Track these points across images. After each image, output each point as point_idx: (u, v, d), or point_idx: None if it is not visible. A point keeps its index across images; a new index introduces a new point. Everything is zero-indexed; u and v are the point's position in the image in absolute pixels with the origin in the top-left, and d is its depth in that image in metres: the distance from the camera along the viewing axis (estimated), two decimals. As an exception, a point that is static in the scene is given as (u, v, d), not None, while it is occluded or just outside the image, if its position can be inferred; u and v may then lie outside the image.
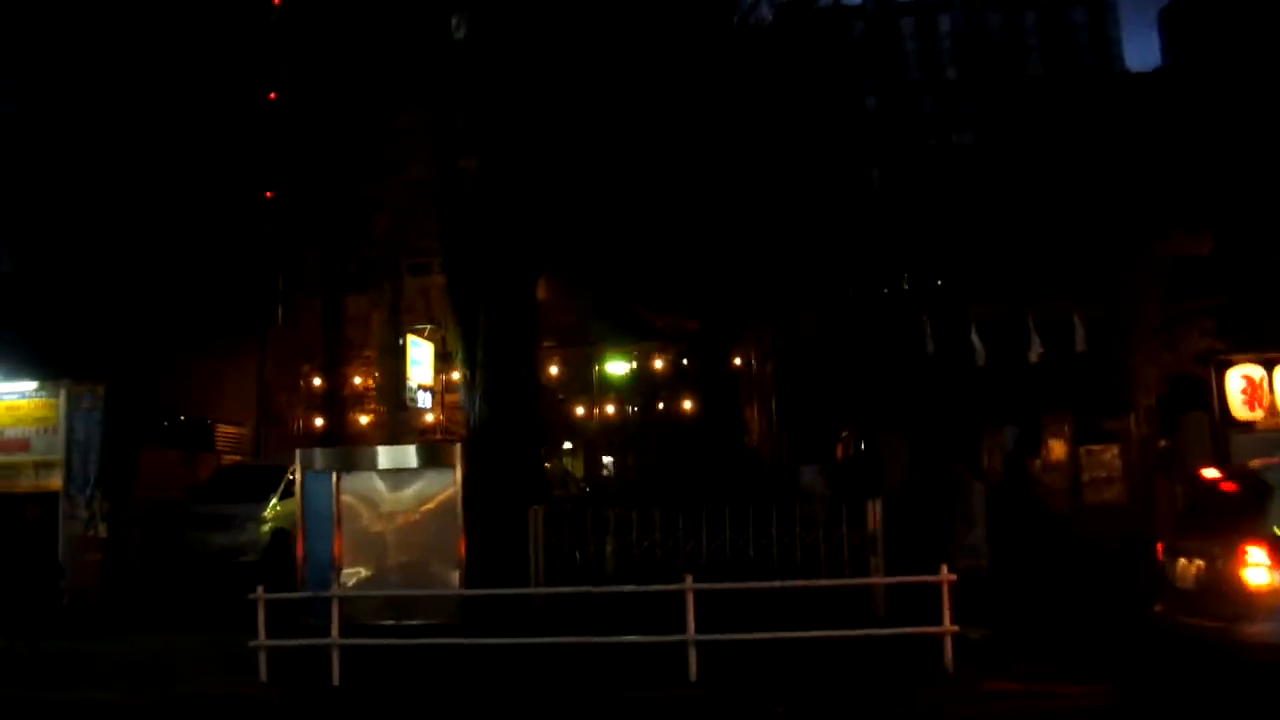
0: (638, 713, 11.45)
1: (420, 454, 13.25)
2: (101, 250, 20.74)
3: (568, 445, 25.71)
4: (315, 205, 23.87)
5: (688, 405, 21.06)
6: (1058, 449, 18.29)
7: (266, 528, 20.39)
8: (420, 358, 17.31)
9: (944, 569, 11.89)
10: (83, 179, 21.64)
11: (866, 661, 12.21)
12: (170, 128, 22.88)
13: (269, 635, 12.82)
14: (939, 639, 11.85)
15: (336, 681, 12.46)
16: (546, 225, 16.97)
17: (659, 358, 22.86)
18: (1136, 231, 18.50)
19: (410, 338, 16.98)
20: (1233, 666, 9.39)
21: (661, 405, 22.62)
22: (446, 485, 12.87)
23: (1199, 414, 15.97)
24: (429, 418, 20.08)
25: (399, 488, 12.97)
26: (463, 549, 12.69)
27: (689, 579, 12.25)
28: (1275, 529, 9.07)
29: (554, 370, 25.37)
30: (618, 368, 25.46)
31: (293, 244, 23.86)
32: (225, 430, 24.74)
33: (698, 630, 12.18)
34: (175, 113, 22.97)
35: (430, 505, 12.86)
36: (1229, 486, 9.89)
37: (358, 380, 22.29)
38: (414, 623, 12.51)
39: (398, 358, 16.33)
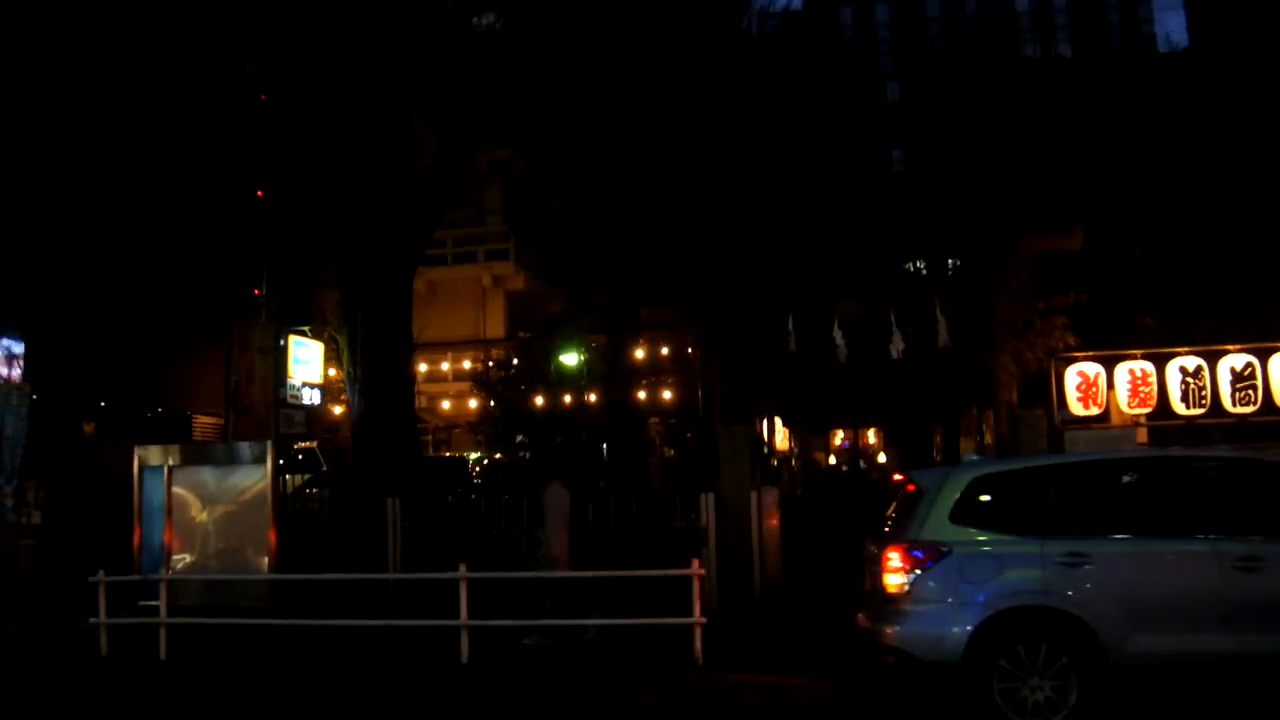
0: (406, 691, 12.13)
1: (237, 450, 14.09)
2: (49, 252, 21.52)
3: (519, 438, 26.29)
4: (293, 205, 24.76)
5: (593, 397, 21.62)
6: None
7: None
8: (306, 357, 18.15)
9: (695, 563, 12.23)
10: (36, 176, 22.00)
11: (633, 649, 12.65)
12: (141, 121, 23.42)
13: (115, 615, 14.03)
14: (690, 628, 12.27)
15: (163, 656, 13.48)
16: (416, 224, 17.61)
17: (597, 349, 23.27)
18: (1005, 227, 18.27)
19: (293, 338, 17.85)
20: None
21: (590, 397, 23.04)
22: (259, 479, 13.68)
23: (1038, 411, 15.83)
24: (338, 410, 21.02)
25: (220, 481, 13.73)
26: (273, 538, 13.51)
27: (463, 568, 12.81)
28: (921, 533, 9.22)
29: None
30: (569, 359, 25.93)
31: (272, 242, 24.67)
32: (203, 421, 26.04)
33: (494, 616, 12.89)
34: (147, 106, 23.44)
35: (246, 497, 13.63)
36: (911, 488, 10.00)
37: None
38: (231, 604, 13.40)
39: (277, 357, 17.23)
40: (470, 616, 12.71)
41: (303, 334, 17.85)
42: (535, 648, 12.89)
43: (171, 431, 25.00)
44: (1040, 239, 18.69)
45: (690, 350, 23.32)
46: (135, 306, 22.71)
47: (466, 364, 29.14)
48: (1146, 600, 8.68)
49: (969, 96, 20.20)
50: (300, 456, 23.02)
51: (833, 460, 37.44)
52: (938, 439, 24.99)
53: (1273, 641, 8.51)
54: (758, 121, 22.05)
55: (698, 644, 12.17)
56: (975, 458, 12.37)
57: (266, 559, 13.51)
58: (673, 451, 26.66)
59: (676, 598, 12.71)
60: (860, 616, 9.90)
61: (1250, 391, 15.30)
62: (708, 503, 15.29)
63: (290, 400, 17.33)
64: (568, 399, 24.81)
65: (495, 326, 30.37)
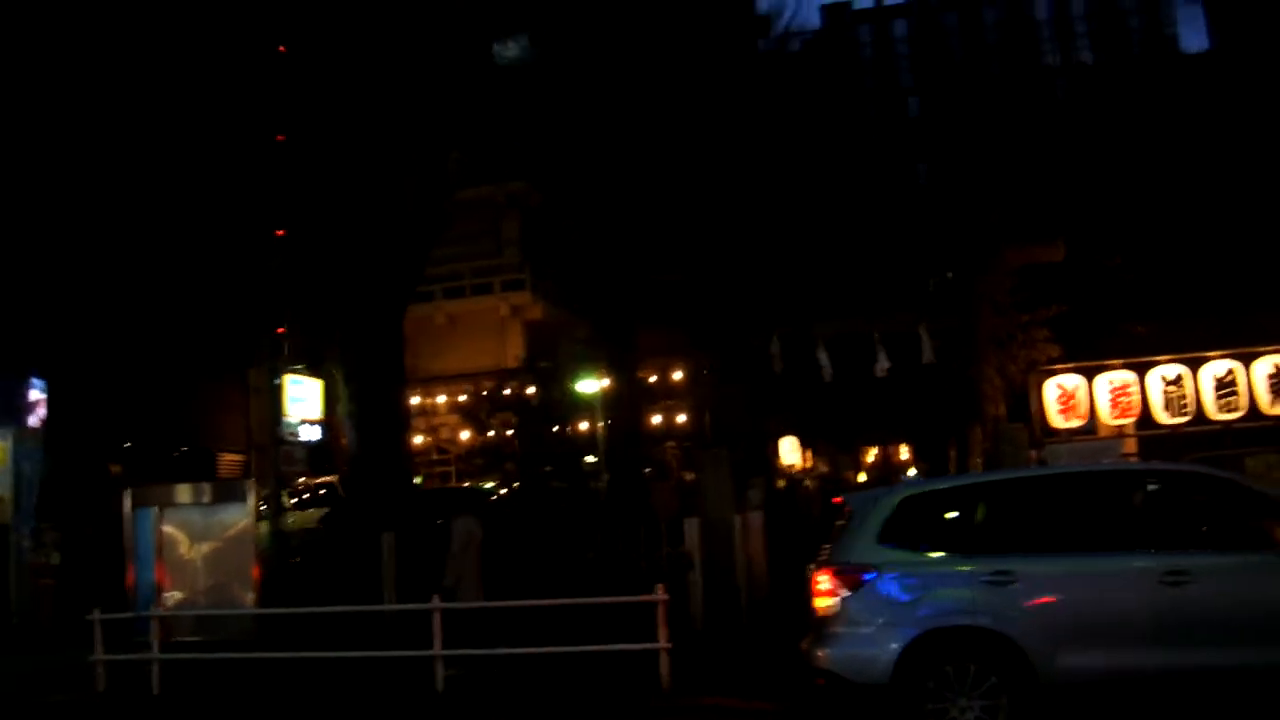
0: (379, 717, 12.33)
1: (220, 489, 14.43)
2: (72, 293, 21.96)
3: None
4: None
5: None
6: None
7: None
8: (302, 395, 18.49)
9: (660, 589, 12.26)
10: (59, 216, 22.18)
11: (608, 675, 12.69)
12: (164, 159, 23.72)
13: (112, 651, 14.39)
14: (655, 654, 12.29)
15: (156, 690, 13.80)
16: (404, 266, 17.91)
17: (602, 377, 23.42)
18: (988, 240, 18.09)
19: (289, 377, 18.18)
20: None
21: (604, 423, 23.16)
22: (242, 516, 13.98)
23: (1018, 425, 15.63)
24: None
25: (206, 519, 14.08)
26: (256, 573, 13.78)
27: (436, 599, 13.00)
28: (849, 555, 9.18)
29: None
30: (587, 387, 26.09)
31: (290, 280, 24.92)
32: (229, 459, 26.54)
33: (481, 645, 13.03)
34: (169, 144, 23.82)
35: (231, 534, 13.92)
36: (846, 510, 9.96)
37: None
38: (219, 638, 13.68)
39: (273, 397, 17.57)
40: (463, 646, 12.91)
41: (298, 372, 18.24)
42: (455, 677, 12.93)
43: (196, 470, 25.47)
44: (1023, 251, 18.48)
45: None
46: (160, 346, 23.21)
47: (485, 394, 29.42)
48: (1073, 617, 8.54)
49: (956, 112, 20.06)
50: (323, 491, 23.38)
51: (863, 478, 37.14)
52: (952, 454, 24.78)
53: (1202, 656, 8.35)
54: (759, 141, 22.14)
55: (664, 669, 12.18)
56: (914, 477, 12.24)
57: (251, 594, 13.78)
58: (691, 475, 26.73)
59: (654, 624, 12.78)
60: (803, 638, 9.87)
61: (1233, 398, 15.00)
62: (692, 527, 15.33)
63: (288, 438, 17.66)
64: (577, 427, 25.03)
65: (514, 356, 30.62)
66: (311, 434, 18.42)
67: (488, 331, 31.01)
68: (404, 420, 17.85)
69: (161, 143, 21.58)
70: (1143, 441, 15.95)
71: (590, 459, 24.03)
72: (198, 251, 22.72)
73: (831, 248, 20.32)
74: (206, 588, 14.03)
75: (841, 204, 20.35)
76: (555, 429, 24.90)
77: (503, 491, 24.97)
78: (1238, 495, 8.85)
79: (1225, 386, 14.93)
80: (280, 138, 27.62)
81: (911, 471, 15.74)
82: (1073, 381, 15.07)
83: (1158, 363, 15.04)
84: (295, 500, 20.63)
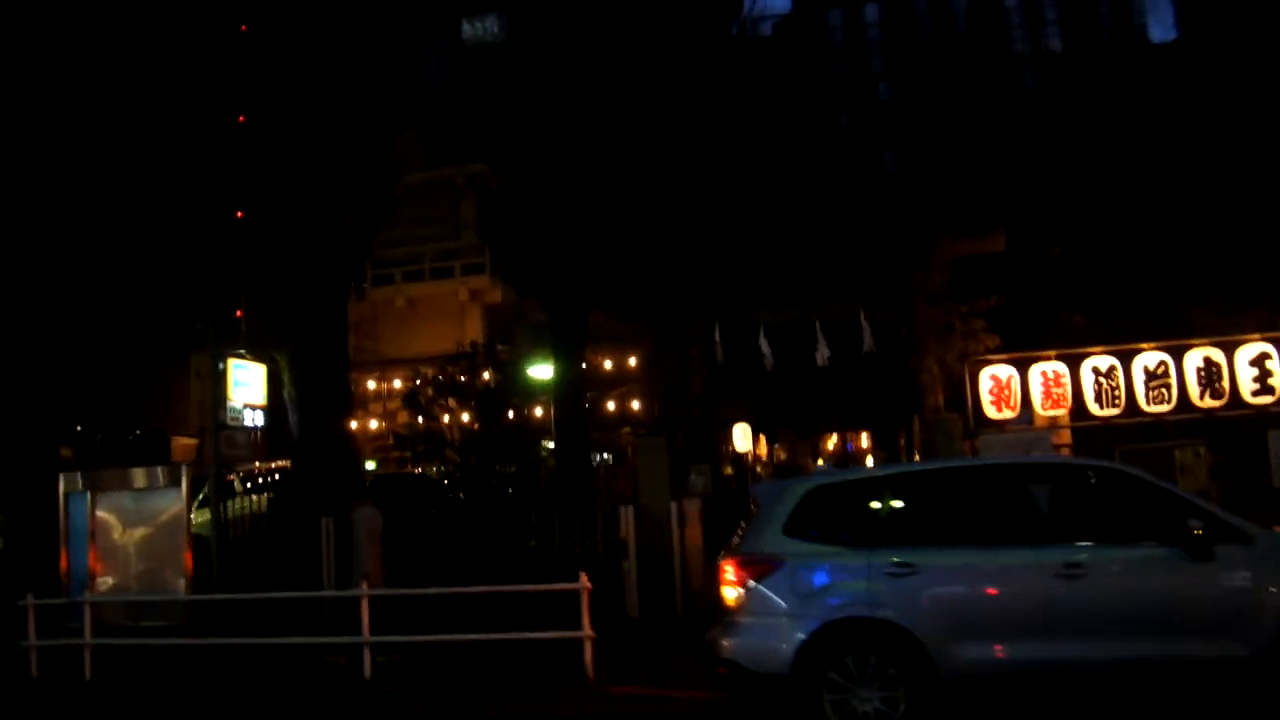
0: (307, 705, 12.33)
1: (153, 475, 14.38)
2: (22, 277, 21.76)
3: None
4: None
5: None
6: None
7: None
8: (246, 380, 18.38)
9: (583, 577, 12.32)
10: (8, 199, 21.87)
11: (531, 664, 12.76)
12: (118, 142, 23.57)
13: (46, 637, 14.35)
14: (580, 643, 12.35)
15: (88, 676, 13.78)
16: (348, 248, 17.81)
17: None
18: (927, 230, 18.14)
19: (233, 361, 18.08)
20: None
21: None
22: (175, 503, 13.94)
23: (952, 415, 15.74)
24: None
25: (139, 505, 14.06)
26: (188, 560, 13.76)
27: (365, 585, 13.02)
28: (754, 545, 9.24)
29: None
30: (541, 372, 25.97)
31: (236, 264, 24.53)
32: (183, 442, 26.48)
33: (412, 632, 13.05)
34: (124, 126, 23.59)
35: (164, 520, 13.91)
36: (756, 501, 10.01)
37: None
38: (151, 624, 13.66)
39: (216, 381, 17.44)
40: (395, 632, 12.96)
41: (241, 356, 18.12)
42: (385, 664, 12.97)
43: (151, 453, 25.37)
44: (961, 241, 18.56)
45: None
46: (112, 330, 23.11)
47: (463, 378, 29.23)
48: (971, 609, 8.64)
49: (909, 102, 20.10)
50: (276, 475, 23.25)
51: (820, 463, 37.29)
52: (902, 442, 24.93)
53: (1097, 648, 8.44)
54: (715, 126, 22.03)
55: (587, 657, 12.25)
56: (825, 468, 12.32)
57: (183, 580, 13.75)
58: None
59: (590, 612, 12.80)
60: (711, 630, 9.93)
61: (1164, 390, 15.13)
62: (628, 515, 15.37)
63: (231, 422, 17.58)
64: (533, 412, 24.96)
65: (473, 340, 30.43)
66: (255, 418, 18.32)
67: (447, 315, 30.95)
68: (347, 404, 17.81)
69: (111, 128, 21.31)
70: (1078, 432, 16.12)
71: (549, 445, 24.01)
72: (146, 234, 22.52)
73: (776, 235, 20.29)
74: (139, 573, 14.00)
75: (788, 190, 20.30)
76: (511, 414, 24.83)
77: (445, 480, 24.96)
78: (1140, 490, 8.93)
79: (1156, 379, 15.07)
80: (241, 119, 27.37)
81: (869, 460, 15.79)
82: (1006, 372, 15.17)
83: (1090, 354, 15.14)
84: (249, 484, 20.57)
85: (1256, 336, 15.08)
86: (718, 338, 18.93)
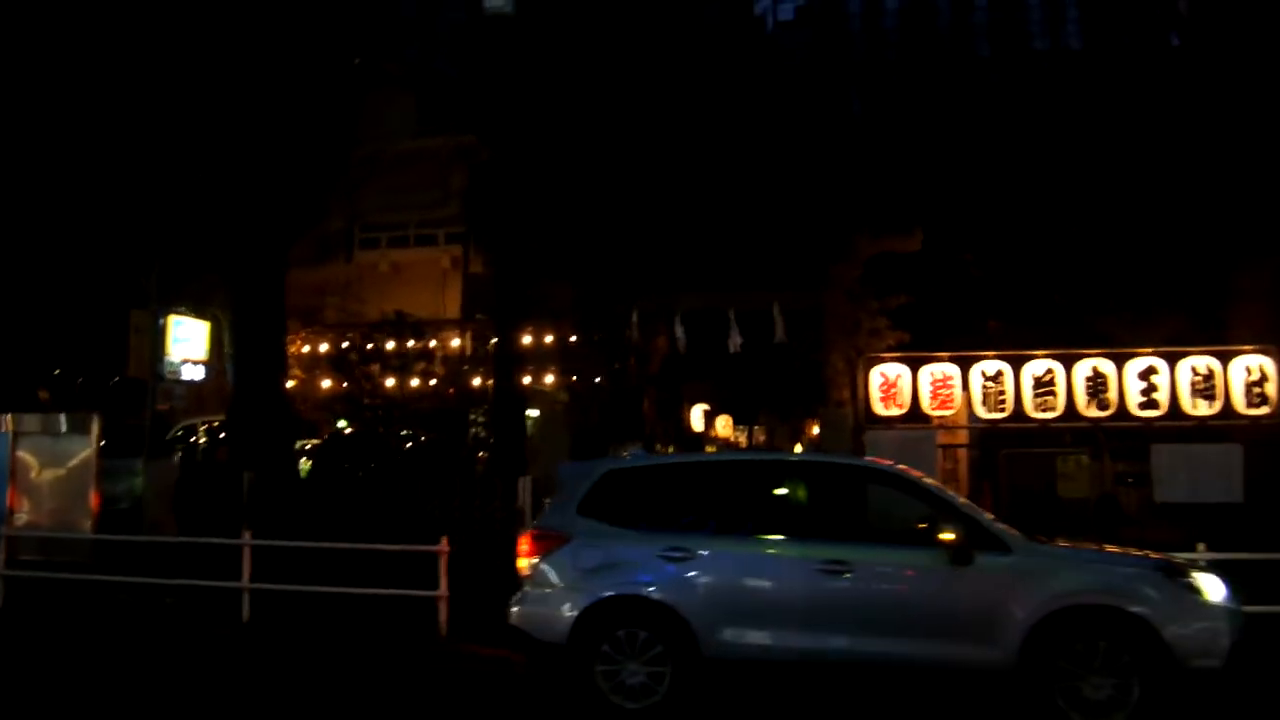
0: (186, 643, 13.05)
1: (68, 421, 15.16)
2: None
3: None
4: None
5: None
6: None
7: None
8: (186, 335, 19.10)
9: (444, 540, 12.94)
10: None
11: (400, 619, 13.41)
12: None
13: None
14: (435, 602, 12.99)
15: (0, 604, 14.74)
16: (290, 209, 18.25)
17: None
18: (843, 225, 18.32)
19: (173, 317, 18.78)
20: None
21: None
22: (85, 448, 14.72)
23: (843, 409, 16.02)
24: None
25: (54, 448, 14.86)
26: (94, 502, 14.56)
27: (248, 535, 13.74)
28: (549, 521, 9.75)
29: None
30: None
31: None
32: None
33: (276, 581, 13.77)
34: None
35: (75, 463, 14.69)
36: (561, 481, 10.41)
37: None
38: (60, 559, 14.48)
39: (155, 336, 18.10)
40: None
41: (181, 313, 18.84)
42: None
43: (132, 398, 26.18)
44: (877, 239, 18.76)
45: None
46: (98, 278, 23.67)
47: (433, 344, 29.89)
48: (738, 597, 9.07)
49: (839, 96, 20.26)
50: (219, 429, 24.03)
51: (799, 449, 37.57)
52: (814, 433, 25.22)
53: (858, 644, 8.80)
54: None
55: (442, 616, 12.92)
56: (637, 453, 12.74)
57: (89, 521, 14.55)
58: None
59: (489, 574, 13.35)
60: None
61: (1049, 398, 15.34)
62: (525, 485, 15.91)
63: (169, 376, 18.36)
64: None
65: (453, 308, 31.16)
66: (195, 373, 19.12)
67: (429, 281, 31.52)
68: (281, 364, 18.40)
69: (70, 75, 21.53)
70: (974, 433, 16.38)
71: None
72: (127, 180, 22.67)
73: (702, 219, 20.49)
74: (49, 511, 14.82)
75: (717, 175, 20.45)
76: (477, 382, 25.40)
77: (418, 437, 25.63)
78: (912, 492, 9.27)
79: (1043, 386, 15.28)
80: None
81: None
82: (895, 371, 15.42)
83: (981, 358, 15.38)
84: (192, 437, 21.39)
85: (1147, 350, 15.24)
86: (634, 320, 19.35)
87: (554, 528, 9.64)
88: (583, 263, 20.65)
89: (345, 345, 24.48)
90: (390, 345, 24.16)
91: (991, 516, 9.30)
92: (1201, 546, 11.41)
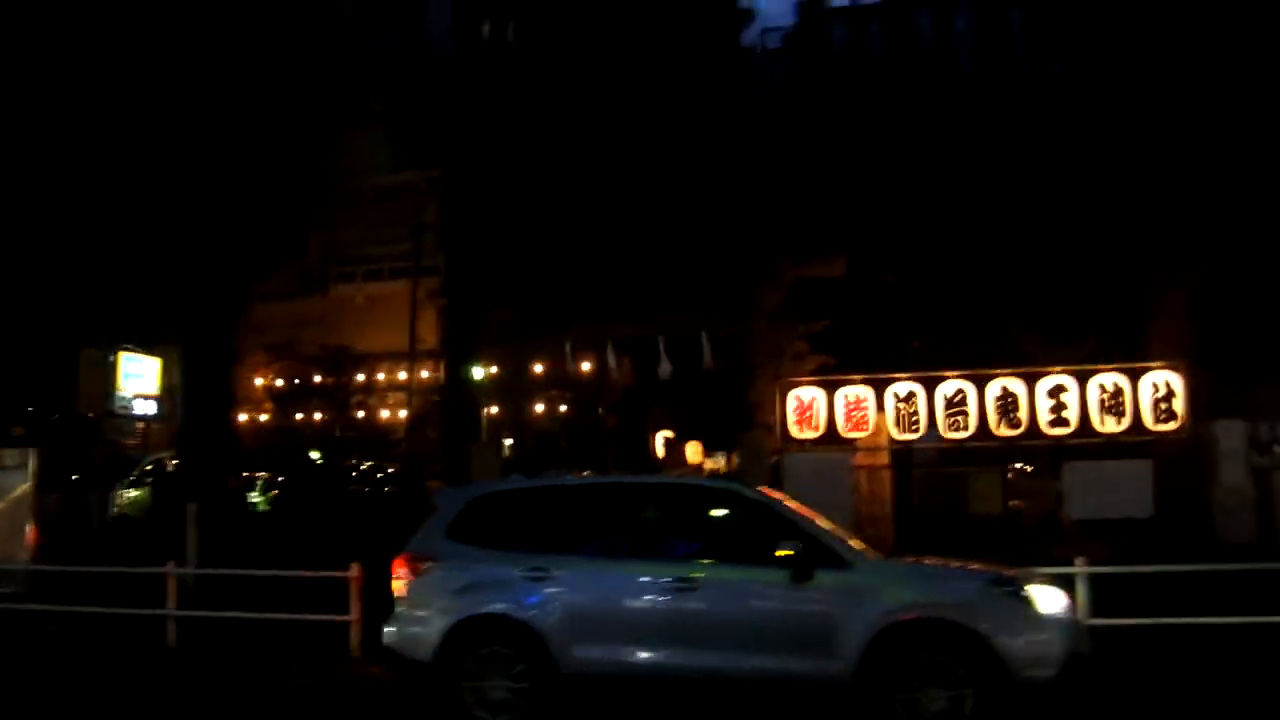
0: (115, 666, 13.43)
1: (7, 457, 15.65)
2: None
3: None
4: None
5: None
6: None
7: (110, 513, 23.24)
8: (138, 371, 19.60)
9: (354, 566, 13.32)
10: None
11: (318, 642, 13.79)
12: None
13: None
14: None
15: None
16: (231, 254, 18.82)
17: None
18: (768, 249, 18.61)
19: (124, 354, 19.27)
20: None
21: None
22: (22, 482, 15.19)
23: (758, 431, 16.32)
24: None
25: None
26: (31, 534, 15.01)
27: (171, 564, 14.18)
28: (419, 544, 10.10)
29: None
30: (477, 372, 26.95)
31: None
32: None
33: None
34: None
35: (14, 496, 15.22)
36: (435, 504, 10.83)
37: None
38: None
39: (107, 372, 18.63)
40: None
41: (132, 350, 19.33)
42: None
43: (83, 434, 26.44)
44: (801, 264, 19.07)
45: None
46: (49, 316, 24.10)
47: (402, 375, 30.44)
48: (592, 614, 9.37)
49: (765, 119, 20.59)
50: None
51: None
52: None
53: (708, 660, 9.08)
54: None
55: (354, 639, 13.29)
56: (515, 478, 13.07)
57: (25, 554, 15.01)
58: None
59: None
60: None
61: (961, 418, 15.61)
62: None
63: (119, 411, 18.82)
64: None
65: (429, 339, 31.55)
66: (147, 408, 19.59)
67: (405, 314, 32.07)
68: (228, 401, 18.86)
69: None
70: (895, 453, 16.63)
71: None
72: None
73: (631, 247, 20.76)
74: (-11, 542, 15.30)
75: (645, 202, 20.75)
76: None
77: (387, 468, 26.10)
78: (757, 512, 9.59)
79: (954, 406, 15.56)
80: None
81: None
82: (810, 394, 15.75)
83: (895, 380, 15.68)
84: (151, 469, 21.87)
85: (1057, 369, 15.51)
86: (567, 349, 19.73)
87: (423, 551, 9.98)
88: (524, 293, 21.04)
89: (280, 382, 24.91)
90: (318, 379, 24.59)
91: (848, 536, 9.62)
92: (1080, 560, 11.68)
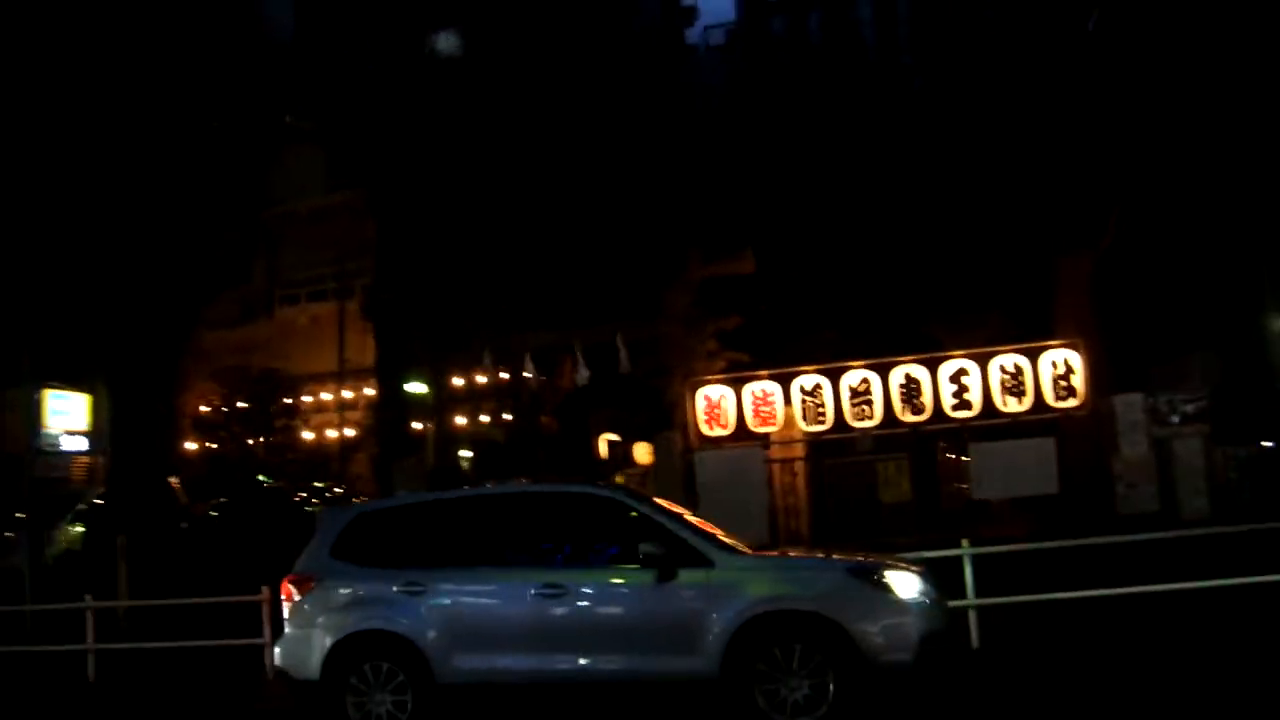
0: (30, 704, 13.56)
1: None
2: None
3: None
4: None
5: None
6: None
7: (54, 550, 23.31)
8: (64, 408, 19.72)
9: (264, 590, 13.52)
10: None
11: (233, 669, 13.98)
12: None
13: None
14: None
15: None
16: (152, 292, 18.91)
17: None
18: (676, 251, 18.88)
19: (48, 392, 19.41)
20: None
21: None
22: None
23: (670, 432, 16.58)
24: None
25: None
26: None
27: (89, 598, 14.35)
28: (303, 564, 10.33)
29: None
30: (417, 388, 27.20)
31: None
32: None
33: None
34: None
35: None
36: (319, 523, 10.99)
37: None
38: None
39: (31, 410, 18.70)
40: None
41: (57, 387, 19.48)
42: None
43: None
44: (709, 263, 19.36)
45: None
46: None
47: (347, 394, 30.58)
48: (465, 625, 9.58)
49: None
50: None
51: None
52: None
53: (580, 662, 9.30)
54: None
55: (268, 661, 13.47)
56: (401, 494, 13.30)
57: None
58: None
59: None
60: None
61: (866, 407, 15.91)
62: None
63: (46, 448, 18.92)
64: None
65: (366, 358, 31.61)
66: (77, 444, 19.71)
67: (348, 334, 32.18)
68: (157, 435, 18.95)
69: None
70: (812, 445, 16.92)
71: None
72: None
73: (541, 253, 20.97)
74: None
75: (555, 210, 20.96)
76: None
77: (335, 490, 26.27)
78: (623, 514, 9.84)
79: (859, 395, 15.85)
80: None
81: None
82: (718, 392, 16.02)
83: (800, 373, 15.96)
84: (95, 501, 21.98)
85: (958, 353, 15.81)
86: (487, 361, 19.96)
87: (308, 570, 10.19)
88: (443, 307, 21.24)
89: (205, 408, 25.05)
90: (259, 403, 24.76)
91: (722, 534, 9.87)
92: (965, 543, 11.97)
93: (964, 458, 19.57)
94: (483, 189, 20.99)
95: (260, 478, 27.03)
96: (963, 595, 11.71)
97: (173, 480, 24.09)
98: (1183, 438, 15.73)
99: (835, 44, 24.75)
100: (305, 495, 24.63)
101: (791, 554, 10.12)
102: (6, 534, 23.28)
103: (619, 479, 27.06)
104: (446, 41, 28.33)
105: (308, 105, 31.36)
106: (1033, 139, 17.15)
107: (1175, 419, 16.10)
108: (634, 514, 9.78)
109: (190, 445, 27.87)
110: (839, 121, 19.33)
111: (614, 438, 27.88)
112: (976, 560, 12.09)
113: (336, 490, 25.66)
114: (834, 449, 16.72)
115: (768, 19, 58.58)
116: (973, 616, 11.89)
